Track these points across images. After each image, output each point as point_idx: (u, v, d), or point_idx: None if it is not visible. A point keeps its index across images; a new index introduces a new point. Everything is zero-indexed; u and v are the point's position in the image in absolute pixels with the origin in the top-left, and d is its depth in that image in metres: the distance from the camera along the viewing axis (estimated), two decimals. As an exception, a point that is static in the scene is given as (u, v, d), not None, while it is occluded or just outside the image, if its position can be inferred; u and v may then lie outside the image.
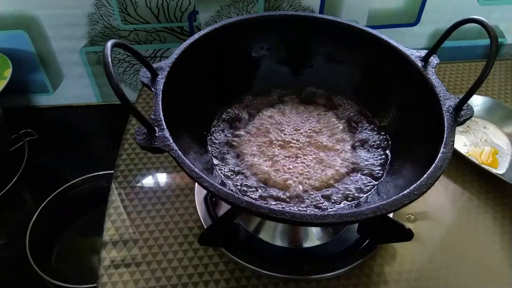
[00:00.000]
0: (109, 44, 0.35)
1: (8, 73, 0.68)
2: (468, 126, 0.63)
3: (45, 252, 0.67)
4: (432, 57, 0.47)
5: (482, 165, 0.56)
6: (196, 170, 0.35)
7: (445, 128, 0.40)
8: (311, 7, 0.76)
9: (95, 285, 0.58)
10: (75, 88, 0.84)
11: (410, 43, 0.83)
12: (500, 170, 0.57)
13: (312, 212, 0.33)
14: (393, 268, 0.47)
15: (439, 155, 0.38)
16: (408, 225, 0.50)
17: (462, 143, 0.61)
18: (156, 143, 0.36)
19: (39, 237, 0.65)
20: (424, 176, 0.36)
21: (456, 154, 0.58)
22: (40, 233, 0.66)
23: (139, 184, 0.56)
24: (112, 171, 0.58)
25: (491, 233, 0.51)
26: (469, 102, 0.64)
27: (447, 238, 0.51)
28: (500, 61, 0.77)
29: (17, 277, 0.65)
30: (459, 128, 0.62)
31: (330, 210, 0.42)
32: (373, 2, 0.77)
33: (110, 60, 0.33)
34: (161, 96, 0.41)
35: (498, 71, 0.75)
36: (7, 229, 0.72)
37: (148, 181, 0.56)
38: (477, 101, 0.64)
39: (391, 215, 0.51)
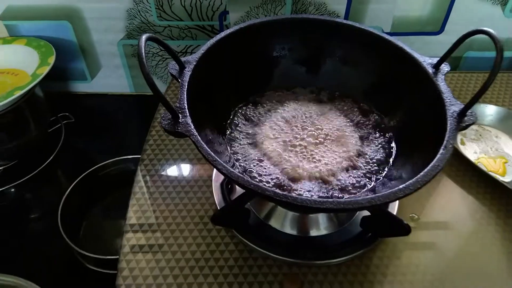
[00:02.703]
0: (144, 37, 0.39)
1: (51, 60, 0.74)
2: (480, 135, 0.65)
3: (74, 226, 0.73)
4: (443, 65, 0.50)
5: (489, 173, 0.58)
6: (212, 154, 0.39)
7: (447, 132, 0.42)
8: (337, 11, 0.79)
9: (117, 257, 0.64)
10: (111, 78, 0.89)
11: (433, 52, 0.85)
12: (507, 178, 0.59)
13: (312, 198, 0.37)
14: (392, 262, 0.50)
15: (438, 155, 0.40)
16: (411, 223, 0.53)
17: (473, 150, 0.63)
18: (178, 128, 0.41)
19: (70, 211, 0.71)
20: (421, 173, 0.39)
21: (465, 161, 0.60)
22: (71, 208, 0.71)
23: (163, 168, 0.60)
24: (140, 156, 0.63)
25: (491, 238, 0.53)
26: (484, 111, 0.67)
27: (447, 239, 0.53)
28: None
29: (49, 246, 0.71)
30: (471, 136, 0.65)
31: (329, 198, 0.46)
32: (398, 10, 0.79)
33: (143, 51, 0.38)
34: (186, 86, 0.45)
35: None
36: (42, 202, 0.79)
37: (171, 166, 0.61)
38: (490, 111, 0.66)
39: (394, 211, 0.54)
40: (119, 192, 0.79)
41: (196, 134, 0.41)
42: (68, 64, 0.87)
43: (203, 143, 0.40)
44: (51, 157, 0.80)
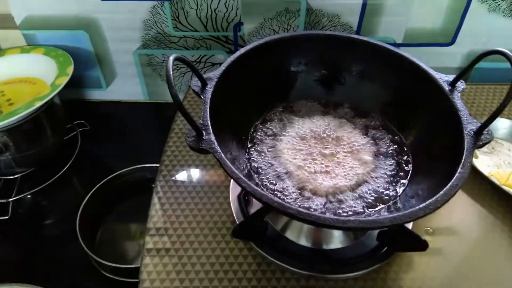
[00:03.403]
0: (171, 58, 0.40)
1: (70, 70, 0.76)
2: (493, 148, 0.66)
3: (91, 233, 0.74)
4: (459, 82, 0.51)
5: (503, 186, 0.59)
6: (236, 171, 0.41)
7: (465, 150, 0.43)
8: (349, 23, 0.80)
9: (134, 266, 0.65)
10: (126, 86, 0.91)
11: (445, 62, 0.86)
12: (520, 192, 0.60)
13: (335, 217, 0.38)
14: (408, 275, 0.51)
15: (456, 174, 0.41)
16: (426, 237, 0.54)
17: (486, 163, 0.64)
18: (203, 145, 0.42)
19: (87, 218, 0.72)
20: (440, 192, 0.40)
21: (479, 174, 0.60)
22: (88, 215, 0.73)
23: (180, 179, 0.62)
24: (156, 164, 0.64)
25: (506, 252, 0.54)
26: (496, 124, 0.68)
27: (462, 252, 0.54)
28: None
29: (66, 253, 0.72)
30: (484, 149, 0.65)
31: (351, 216, 0.47)
32: (411, 21, 0.80)
33: (171, 72, 0.39)
34: (209, 103, 0.46)
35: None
36: (59, 209, 0.80)
37: (188, 176, 0.62)
38: (503, 125, 0.67)
39: (410, 226, 0.54)
40: (135, 199, 0.80)
41: (220, 151, 0.42)
42: (84, 72, 0.89)
43: (226, 160, 0.41)
44: (68, 165, 0.81)
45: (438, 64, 0.86)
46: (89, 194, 0.74)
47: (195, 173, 0.63)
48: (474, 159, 0.64)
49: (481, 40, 0.83)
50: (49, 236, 0.75)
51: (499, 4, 0.78)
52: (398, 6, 0.77)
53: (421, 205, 0.38)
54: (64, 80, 0.73)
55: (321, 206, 0.48)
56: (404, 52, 0.54)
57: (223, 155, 0.41)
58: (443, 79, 0.51)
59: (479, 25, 0.81)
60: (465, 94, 0.77)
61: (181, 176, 0.62)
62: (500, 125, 0.67)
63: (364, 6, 0.77)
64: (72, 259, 0.71)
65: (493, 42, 0.82)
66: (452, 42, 0.84)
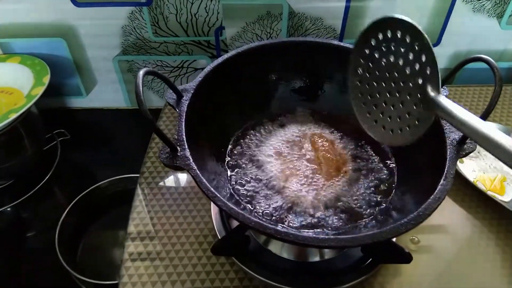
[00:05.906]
0: (141, 73, 0.39)
1: (46, 79, 0.73)
2: (478, 152, 0.65)
3: (72, 245, 0.72)
4: (441, 89, 0.49)
5: (488, 192, 0.58)
6: (212, 189, 0.39)
7: (447, 161, 0.42)
8: (333, 26, 0.78)
9: (114, 282, 0.63)
10: (107, 93, 0.89)
11: (430, 64, 0.85)
12: (506, 197, 0.59)
13: (314, 235, 0.36)
14: (393, 287, 0.50)
15: (439, 187, 0.40)
16: (411, 246, 0.53)
17: (471, 168, 0.63)
18: (177, 162, 0.40)
19: (67, 231, 0.70)
20: (422, 206, 0.39)
21: (464, 180, 0.59)
22: (69, 228, 0.71)
23: (161, 191, 0.60)
24: (137, 174, 0.63)
25: (492, 260, 0.53)
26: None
27: (448, 261, 0.53)
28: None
29: (46, 269, 0.70)
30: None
31: (330, 233, 0.45)
32: (394, 23, 0.79)
33: (141, 89, 0.37)
34: (184, 117, 0.44)
35: (509, 98, 0.76)
36: (39, 222, 0.78)
37: (169, 188, 0.60)
38: (489, 128, 0.66)
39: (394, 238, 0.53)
40: (117, 210, 0.78)
41: (195, 168, 0.40)
42: (62, 80, 0.86)
43: (202, 178, 0.40)
44: (48, 176, 0.79)
45: (423, 66, 0.85)
46: (70, 206, 0.72)
47: (176, 185, 0.61)
48: (459, 164, 0.63)
49: (466, 41, 0.82)
50: (29, 250, 0.73)
51: (483, 5, 0.77)
52: (381, 8, 0.76)
53: (403, 221, 0.37)
54: (40, 91, 0.70)
55: (304, 221, 0.46)
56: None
57: (198, 173, 0.40)
58: (425, 86, 0.50)
59: (464, 25, 0.80)
60: (450, 97, 0.76)
61: (162, 189, 0.60)
62: (486, 128, 0.66)
63: (347, 8, 0.76)
64: (54, 272, 0.69)
65: (478, 42, 0.82)
66: (437, 43, 0.83)
